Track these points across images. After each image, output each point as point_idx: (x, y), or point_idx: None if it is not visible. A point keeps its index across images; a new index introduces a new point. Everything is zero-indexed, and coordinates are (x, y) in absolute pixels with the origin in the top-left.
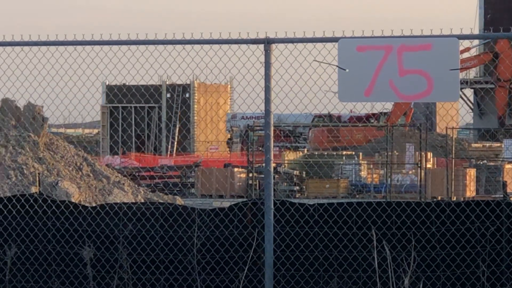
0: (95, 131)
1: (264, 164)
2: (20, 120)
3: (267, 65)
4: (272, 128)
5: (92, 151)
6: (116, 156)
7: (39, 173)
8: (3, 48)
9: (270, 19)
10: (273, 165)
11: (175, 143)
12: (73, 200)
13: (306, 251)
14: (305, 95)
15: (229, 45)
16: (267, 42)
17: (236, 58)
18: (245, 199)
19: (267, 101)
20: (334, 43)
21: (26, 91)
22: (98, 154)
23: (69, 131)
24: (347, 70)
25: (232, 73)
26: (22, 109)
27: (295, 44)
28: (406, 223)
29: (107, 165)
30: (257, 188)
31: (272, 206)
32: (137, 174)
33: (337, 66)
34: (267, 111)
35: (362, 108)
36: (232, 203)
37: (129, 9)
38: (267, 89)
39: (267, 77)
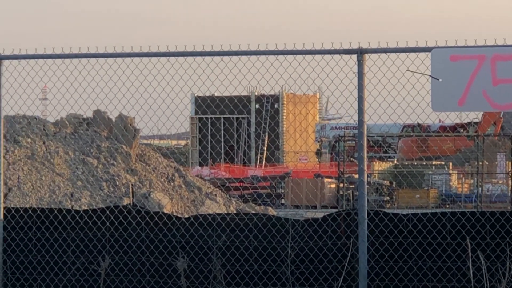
0: (183, 142)
1: (355, 175)
2: (112, 131)
3: (360, 75)
4: (365, 139)
5: (180, 162)
6: (205, 167)
7: (132, 185)
8: (96, 60)
9: (362, 29)
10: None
11: (264, 154)
12: (165, 211)
13: (400, 261)
14: (399, 105)
15: (322, 55)
16: (360, 52)
17: (320, 68)
18: (338, 210)
19: (361, 111)
20: (427, 53)
21: (119, 102)
22: (186, 165)
23: (157, 142)
24: (440, 80)
25: (325, 84)
26: (114, 120)
27: (388, 54)
28: (500, 232)
29: (198, 176)
30: (351, 198)
31: (366, 217)
32: (228, 185)
33: (430, 76)
34: (361, 121)
35: (456, 118)
36: (325, 213)
37: (223, 22)
38: (361, 99)
39: (361, 87)
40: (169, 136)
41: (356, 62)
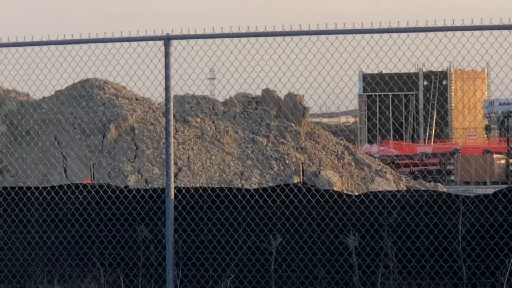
0: (351, 119)
1: None
2: (281, 109)
3: None
4: None
5: (349, 140)
6: (374, 145)
7: (302, 163)
8: (265, 39)
9: None
10: None
11: (433, 130)
12: (335, 189)
13: None
14: None
15: (491, 31)
16: None
17: (488, 44)
18: (509, 185)
19: None
20: None
21: (288, 81)
22: (355, 143)
23: (326, 120)
24: None
25: (494, 59)
26: (283, 99)
27: None
28: None
29: (367, 153)
30: None
31: None
32: (398, 162)
33: None
34: None
35: None
36: (496, 189)
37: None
38: None
39: None
40: (337, 114)
41: None
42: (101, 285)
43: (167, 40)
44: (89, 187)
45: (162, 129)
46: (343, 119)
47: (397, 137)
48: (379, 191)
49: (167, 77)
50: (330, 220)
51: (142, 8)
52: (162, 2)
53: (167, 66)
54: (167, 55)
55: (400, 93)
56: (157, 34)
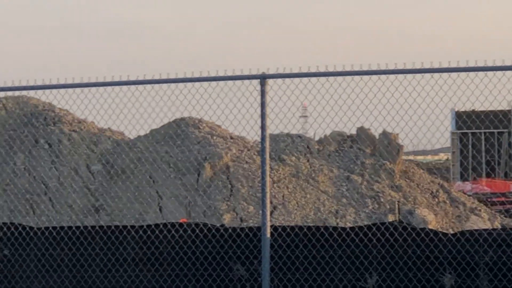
0: (444, 157)
1: None
2: (376, 148)
3: None
4: None
5: (442, 177)
6: (466, 182)
7: (398, 201)
8: (352, 78)
9: None
10: None
11: None
12: (431, 227)
13: None
14: None
15: None
16: None
17: None
18: None
19: None
20: None
21: (384, 119)
22: (448, 180)
23: (420, 157)
24: None
25: None
26: (377, 137)
27: None
28: None
29: (460, 190)
30: None
31: None
32: (490, 200)
33: None
34: None
35: None
36: None
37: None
38: None
39: None
40: (429, 152)
41: None
42: None
43: (262, 79)
44: (185, 226)
45: (257, 167)
46: (436, 157)
47: (492, 175)
48: (475, 230)
49: (263, 116)
50: (426, 259)
51: (237, 46)
52: (258, 41)
53: (263, 105)
54: (263, 93)
55: (493, 130)
56: (252, 73)
